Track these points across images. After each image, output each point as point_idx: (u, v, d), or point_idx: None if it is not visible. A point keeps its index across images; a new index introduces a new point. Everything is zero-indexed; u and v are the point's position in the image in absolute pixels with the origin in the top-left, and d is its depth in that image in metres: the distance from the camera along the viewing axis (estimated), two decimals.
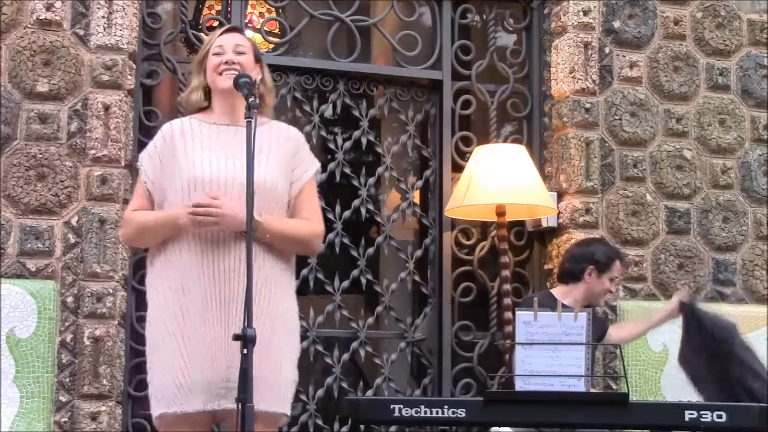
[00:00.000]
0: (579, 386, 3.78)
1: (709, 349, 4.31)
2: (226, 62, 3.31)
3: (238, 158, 3.19)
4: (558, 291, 4.57)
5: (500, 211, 4.84)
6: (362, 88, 5.22)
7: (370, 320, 5.13)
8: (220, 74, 3.31)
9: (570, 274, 4.58)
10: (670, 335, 5.01)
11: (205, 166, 3.22)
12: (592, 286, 4.54)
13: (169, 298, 3.20)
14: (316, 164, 3.41)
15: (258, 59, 3.40)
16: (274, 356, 3.17)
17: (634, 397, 4.59)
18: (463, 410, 3.62)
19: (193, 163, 3.24)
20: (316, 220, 3.35)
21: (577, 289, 4.54)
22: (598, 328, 4.53)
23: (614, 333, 4.75)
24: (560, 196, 5.13)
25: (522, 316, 3.87)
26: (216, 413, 3.18)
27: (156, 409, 3.20)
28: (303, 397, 4.86)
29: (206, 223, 3.13)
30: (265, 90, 3.39)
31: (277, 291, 3.23)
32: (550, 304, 4.00)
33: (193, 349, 3.14)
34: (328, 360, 4.97)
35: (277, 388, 3.18)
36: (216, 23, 5.25)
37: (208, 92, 3.40)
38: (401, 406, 3.60)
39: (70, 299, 4.43)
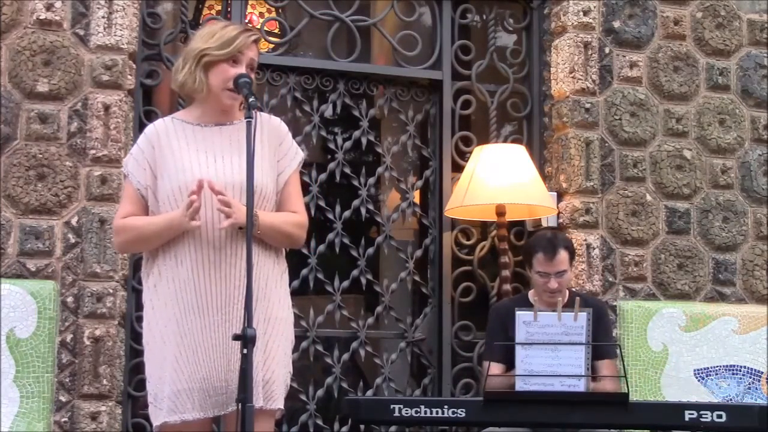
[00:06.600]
0: (579, 386, 3.78)
1: None
2: None
3: (227, 158, 3.20)
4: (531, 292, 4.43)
5: (500, 211, 4.84)
6: (362, 88, 5.22)
7: (370, 320, 5.12)
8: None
9: None
10: (671, 335, 5.01)
11: (195, 169, 3.19)
12: (533, 286, 4.34)
13: (167, 303, 3.16)
14: (301, 155, 3.38)
15: None
16: (271, 355, 3.17)
17: (634, 397, 4.59)
18: (463, 410, 3.63)
19: (182, 167, 3.20)
20: (302, 212, 3.33)
21: (531, 290, 4.38)
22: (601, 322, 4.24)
23: None
24: (560, 196, 5.13)
25: (522, 316, 3.87)
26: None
27: (157, 419, 3.17)
28: (303, 397, 4.87)
29: (225, 215, 3.08)
30: None
31: (275, 289, 3.23)
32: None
33: (192, 355, 3.12)
34: (328, 360, 4.97)
35: (273, 386, 3.17)
36: None
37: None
38: (401, 406, 3.61)
39: (70, 299, 4.43)
